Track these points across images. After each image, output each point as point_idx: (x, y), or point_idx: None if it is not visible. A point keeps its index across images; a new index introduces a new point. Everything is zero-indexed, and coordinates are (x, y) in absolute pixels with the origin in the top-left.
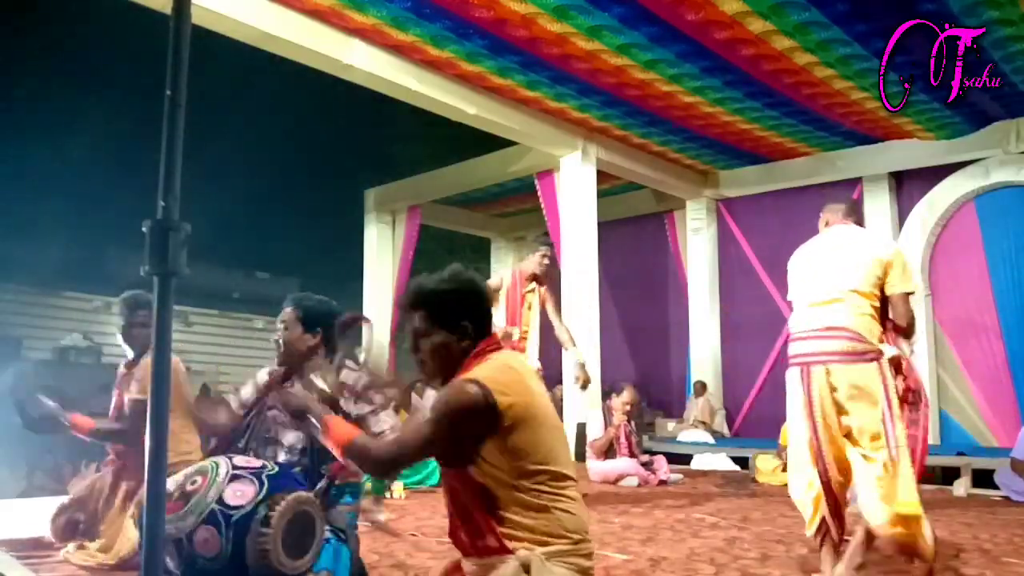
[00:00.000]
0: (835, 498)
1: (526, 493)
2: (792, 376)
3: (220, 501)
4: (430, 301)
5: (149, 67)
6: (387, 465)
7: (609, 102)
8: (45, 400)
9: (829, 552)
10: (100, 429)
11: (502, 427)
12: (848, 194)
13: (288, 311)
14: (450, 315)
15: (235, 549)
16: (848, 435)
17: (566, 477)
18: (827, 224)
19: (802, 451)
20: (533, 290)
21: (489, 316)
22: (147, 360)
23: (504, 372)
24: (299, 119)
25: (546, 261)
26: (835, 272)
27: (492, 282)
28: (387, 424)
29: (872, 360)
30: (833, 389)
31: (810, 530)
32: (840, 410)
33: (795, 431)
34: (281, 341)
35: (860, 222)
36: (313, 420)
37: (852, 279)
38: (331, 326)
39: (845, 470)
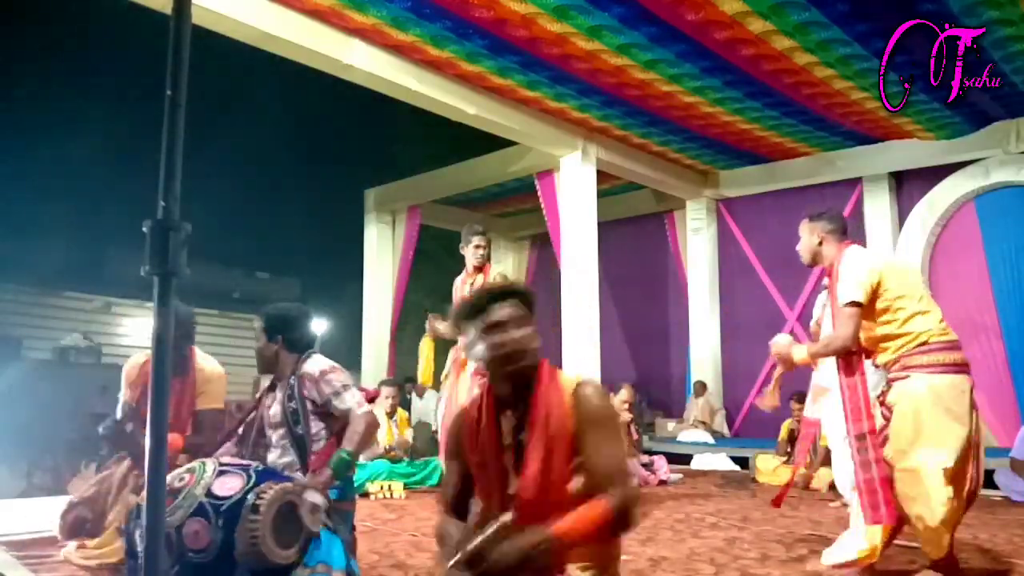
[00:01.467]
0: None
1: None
2: (954, 383)
3: (209, 493)
4: None
5: (149, 67)
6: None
7: (609, 102)
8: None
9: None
10: (191, 445)
11: None
12: (838, 211)
13: (257, 323)
14: None
15: (225, 539)
16: None
17: None
18: (821, 243)
19: (954, 461)
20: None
21: None
22: (204, 367)
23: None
24: (299, 119)
25: (480, 251)
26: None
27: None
28: (353, 401)
29: None
30: None
31: (941, 553)
32: None
33: (955, 441)
34: (255, 351)
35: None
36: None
37: None
38: (291, 330)
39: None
